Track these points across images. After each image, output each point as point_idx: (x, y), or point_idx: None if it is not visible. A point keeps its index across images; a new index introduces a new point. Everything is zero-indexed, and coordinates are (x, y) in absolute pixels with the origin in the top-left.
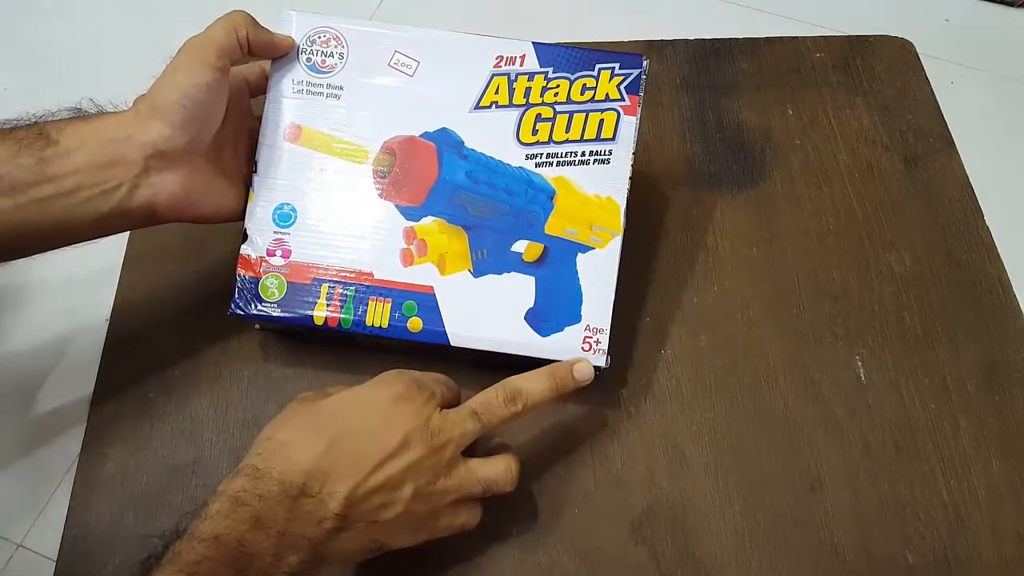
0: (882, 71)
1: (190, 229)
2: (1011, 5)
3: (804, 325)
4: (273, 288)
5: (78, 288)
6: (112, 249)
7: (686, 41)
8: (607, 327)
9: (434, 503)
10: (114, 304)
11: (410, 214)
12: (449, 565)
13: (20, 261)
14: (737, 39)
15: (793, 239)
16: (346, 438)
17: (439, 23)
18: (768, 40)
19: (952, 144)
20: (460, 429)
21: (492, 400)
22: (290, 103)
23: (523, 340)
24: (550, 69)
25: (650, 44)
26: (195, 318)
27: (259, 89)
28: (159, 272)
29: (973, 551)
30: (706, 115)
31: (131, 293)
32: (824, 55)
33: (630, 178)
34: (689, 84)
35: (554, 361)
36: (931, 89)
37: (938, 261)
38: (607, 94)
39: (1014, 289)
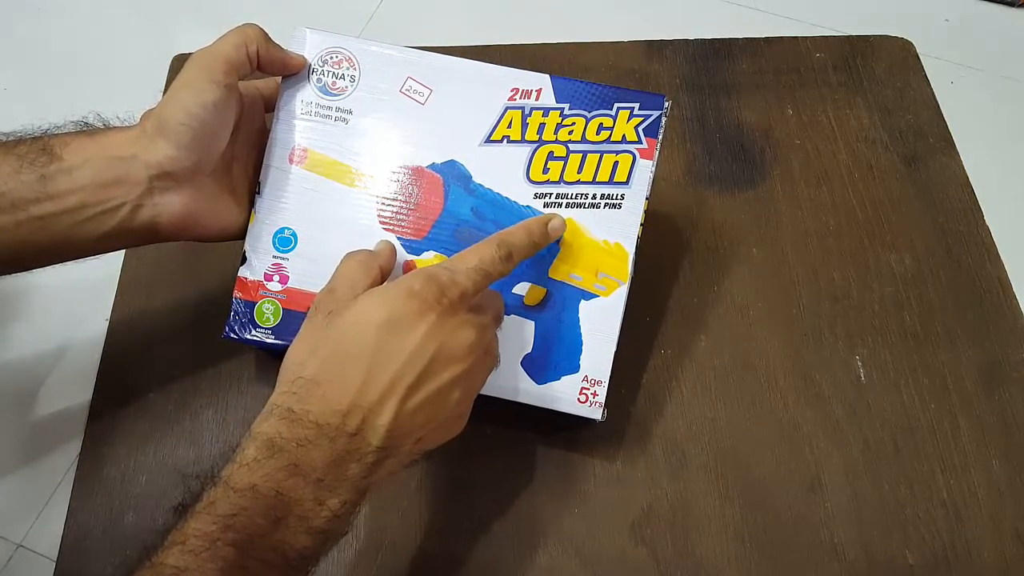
0: (882, 71)
1: None
2: (1011, 5)
3: (804, 325)
4: (269, 314)
5: (79, 289)
6: (113, 253)
7: (686, 41)
8: (606, 379)
9: (478, 385)
10: (114, 304)
11: (412, 247)
12: (449, 566)
13: None
14: (737, 39)
15: (793, 239)
16: (380, 366)
17: (437, 25)
18: (768, 40)
19: (952, 144)
20: (490, 316)
21: (494, 258)
22: (298, 125)
23: (518, 386)
24: (566, 105)
25: (650, 44)
26: (194, 318)
27: (273, 103)
28: (159, 273)
29: (973, 551)
30: (706, 115)
31: (131, 294)
32: (824, 55)
33: (641, 225)
34: (689, 84)
35: (549, 410)
36: (931, 89)
37: (938, 261)
38: (624, 135)
39: (1014, 289)
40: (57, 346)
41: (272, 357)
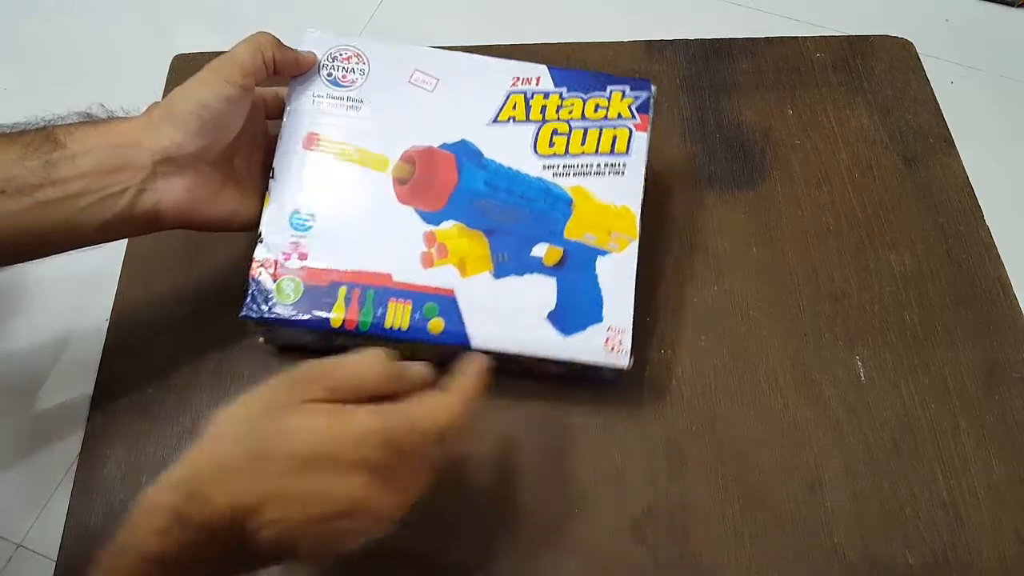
0: (882, 71)
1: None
2: (1011, 5)
3: (804, 325)
4: (289, 290)
5: (79, 287)
6: (113, 248)
7: (686, 41)
8: (629, 328)
9: (400, 504)
10: (115, 303)
11: (430, 219)
12: (449, 566)
13: None
14: (737, 39)
15: (793, 239)
16: (287, 497)
17: (437, 25)
18: (768, 40)
19: (952, 144)
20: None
21: (455, 421)
22: (311, 113)
23: (546, 340)
24: (564, 89)
25: (650, 44)
26: (195, 317)
27: (273, 112)
28: (160, 271)
29: (973, 551)
30: (706, 115)
31: (132, 292)
32: (824, 55)
33: (644, 188)
34: (689, 84)
35: (578, 362)
36: (931, 89)
37: (938, 261)
38: (619, 113)
39: (1014, 289)
40: (58, 344)
41: (274, 353)
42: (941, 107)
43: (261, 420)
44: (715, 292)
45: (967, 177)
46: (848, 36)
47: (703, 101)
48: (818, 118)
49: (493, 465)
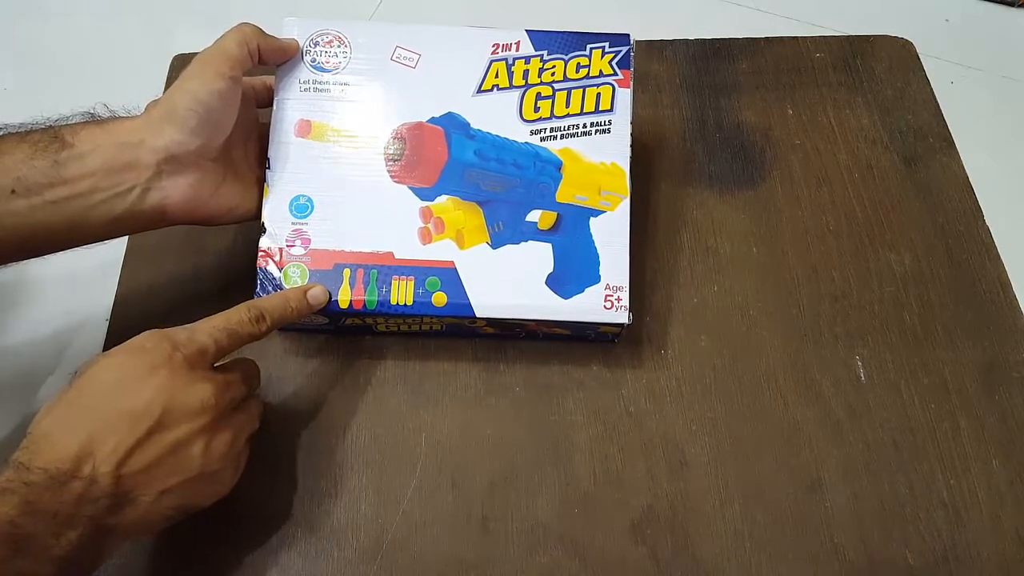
0: (882, 71)
1: (190, 227)
2: (1011, 5)
3: (804, 325)
4: (296, 277)
5: (78, 286)
6: (112, 246)
7: (686, 41)
8: (626, 284)
9: (228, 442)
10: (115, 302)
11: (424, 195)
12: (449, 566)
13: None
14: (737, 39)
15: (793, 239)
16: (110, 420)
17: (437, 23)
18: (768, 40)
19: (952, 144)
20: (237, 375)
21: (242, 319)
22: (299, 100)
23: (546, 304)
24: (544, 52)
25: (650, 44)
26: (195, 316)
27: (263, 100)
28: (159, 270)
29: (973, 551)
30: (706, 115)
31: (131, 290)
32: (824, 55)
33: (631, 145)
34: (689, 84)
35: (579, 323)
36: (931, 89)
37: (938, 261)
38: (600, 70)
39: (1014, 289)
40: (58, 343)
41: (275, 336)
42: (941, 107)
43: (113, 373)
44: (715, 292)
45: (967, 177)
46: (848, 36)
47: (703, 101)
48: (818, 118)
49: (493, 466)
